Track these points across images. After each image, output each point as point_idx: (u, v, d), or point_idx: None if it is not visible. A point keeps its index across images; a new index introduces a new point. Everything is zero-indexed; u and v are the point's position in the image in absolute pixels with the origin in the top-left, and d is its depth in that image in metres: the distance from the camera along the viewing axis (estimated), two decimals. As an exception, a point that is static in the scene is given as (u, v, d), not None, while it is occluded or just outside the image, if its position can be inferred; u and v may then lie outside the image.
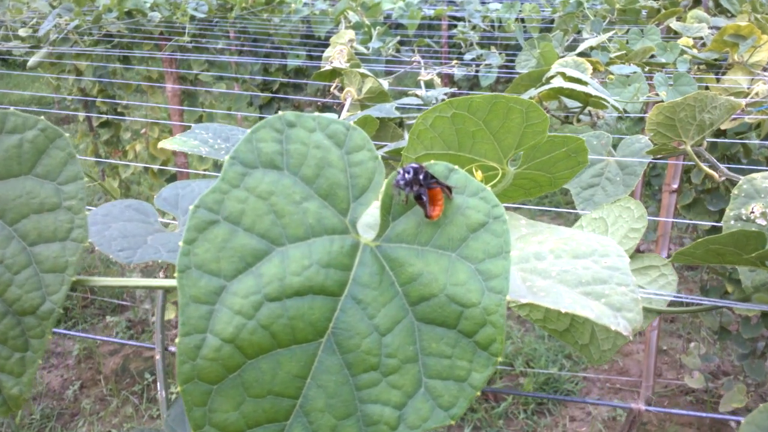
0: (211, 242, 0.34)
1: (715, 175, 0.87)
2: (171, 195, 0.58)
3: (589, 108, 1.32)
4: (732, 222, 0.70)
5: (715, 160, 0.90)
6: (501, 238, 0.37)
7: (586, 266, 0.43)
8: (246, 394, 0.34)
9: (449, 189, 0.38)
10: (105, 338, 0.85)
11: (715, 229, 2.11)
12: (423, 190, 0.37)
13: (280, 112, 0.38)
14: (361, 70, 1.39)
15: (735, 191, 0.71)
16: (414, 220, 0.38)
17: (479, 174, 0.58)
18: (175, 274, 0.33)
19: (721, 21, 2.20)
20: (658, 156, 0.99)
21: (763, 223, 0.68)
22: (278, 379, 0.34)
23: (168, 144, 0.63)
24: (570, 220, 3.63)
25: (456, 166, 0.39)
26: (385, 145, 1.15)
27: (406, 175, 0.37)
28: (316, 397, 0.35)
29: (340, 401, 0.35)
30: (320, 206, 0.37)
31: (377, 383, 0.35)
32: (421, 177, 0.38)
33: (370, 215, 0.41)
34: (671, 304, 0.74)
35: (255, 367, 0.34)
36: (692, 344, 2.58)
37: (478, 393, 0.35)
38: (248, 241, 0.35)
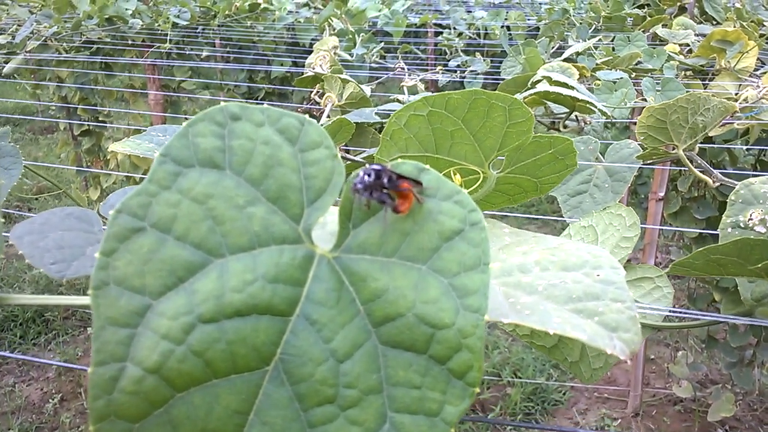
0: (135, 253, 0.29)
1: (709, 180, 0.83)
2: (119, 202, 0.52)
3: (575, 113, 1.28)
4: (729, 230, 0.66)
5: (708, 165, 0.86)
6: (479, 248, 0.32)
7: (576, 280, 0.38)
8: (175, 435, 0.28)
9: (419, 191, 0.33)
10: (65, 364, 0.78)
11: (702, 237, 2.08)
12: (385, 196, 0.32)
13: (222, 103, 0.32)
14: (342, 76, 1.35)
15: (732, 197, 0.66)
16: (378, 227, 0.33)
17: (458, 178, 0.53)
18: (89, 292, 0.28)
19: (707, 28, 2.19)
20: (649, 161, 0.95)
21: (763, 230, 0.64)
22: (214, 415, 0.29)
23: (119, 147, 0.57)
24: (557, 230, 3.60)
25: (427, 166, 0.34)
26: (364, 152, 1.10)
27: (366, 178, 0.32)
28: (260, 436, 0.29)
29: (290, 441, 0.30)
30: (268, 211, 0.32)
31: (333, 419, 0.30)
32: (384, 180, 0.32)
33: (328, 222, 0.36)
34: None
35: (186, 401, 0.29)
36: (680, 353, 2.55)
37: (452, 430, 0.30)
38: (180, 252, 0.30)
